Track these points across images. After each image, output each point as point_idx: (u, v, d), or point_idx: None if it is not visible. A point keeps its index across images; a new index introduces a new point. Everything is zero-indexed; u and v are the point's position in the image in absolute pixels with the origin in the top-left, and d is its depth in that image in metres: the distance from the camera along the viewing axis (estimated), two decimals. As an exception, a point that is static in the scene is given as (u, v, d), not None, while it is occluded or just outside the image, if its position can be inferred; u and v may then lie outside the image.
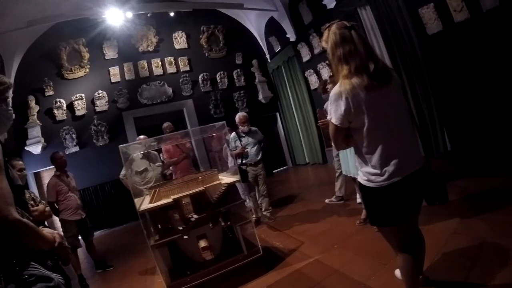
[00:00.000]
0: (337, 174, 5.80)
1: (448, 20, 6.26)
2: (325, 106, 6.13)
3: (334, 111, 1.95)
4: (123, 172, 5.58)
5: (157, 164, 5.84)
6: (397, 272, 2.76)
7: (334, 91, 1.95)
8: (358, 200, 5.71)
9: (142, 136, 5.61)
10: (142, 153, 5.31)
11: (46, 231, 1.70)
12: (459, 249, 3.09)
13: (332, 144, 2.20)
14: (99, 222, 9.23)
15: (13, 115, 1.88)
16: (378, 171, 1.96)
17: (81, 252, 5.72)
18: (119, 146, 3.95)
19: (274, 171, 12.30)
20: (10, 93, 1.84)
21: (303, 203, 6.65)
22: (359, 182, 2.16)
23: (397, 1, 7.06)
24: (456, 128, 6.62)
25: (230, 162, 6.29)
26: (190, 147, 6.45)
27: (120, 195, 9.09)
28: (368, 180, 2.02)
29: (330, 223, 5.05)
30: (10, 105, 1.87)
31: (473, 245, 3.09)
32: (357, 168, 2.18)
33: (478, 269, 2.69)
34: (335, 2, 8.72)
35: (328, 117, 2.04)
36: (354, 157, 4.12)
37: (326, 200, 6.15)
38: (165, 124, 6.22)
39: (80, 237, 5.36)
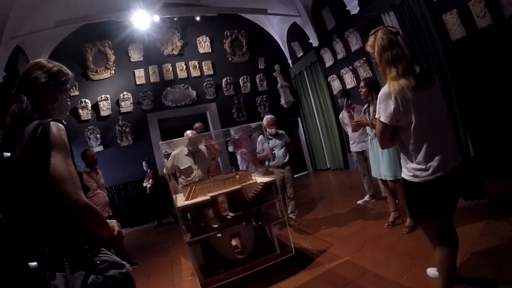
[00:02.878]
0: (362, 176, 5.98)
1: (472, 26, 6.24)
2: (340, 116, 6.20)
3: (383, 110, 2.09)
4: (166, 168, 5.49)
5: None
6: (429, 271, 2.87)
7: (383, 91, 2.10)
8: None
9: (189, 132, 5.47)
10: (188, 149, 5.20)
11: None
12: (487, 249, 3.14)
13: (378, 142, 2.33)
14: (121, 221, 9.30)
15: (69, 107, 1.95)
16: (423, 167, 2.09)
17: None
18: (160, 142, 3.98)
19: (295, 176, 12.20)
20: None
21: (328, 207, 6.66)
22: (403, 178, 2.27)
23: (420, 7, 7.06)
24: (479, 134, 6.57)
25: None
26: (219, 149, 6.46)
27: (142, 195, 9.32)
28: (414, 176, 2.15)
29: (358, 226, 5.06)
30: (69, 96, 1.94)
31: (500, 245, 3.15)
32: (402, 164, 2.29)
33: (506, 266, 2.76)
34: (358, 8, 8.72)
35: (377, 116, 2.16)
36: (389, 160, 4.18)
37: (359, 201, 6.23)
38: (197, 125, 6.26)
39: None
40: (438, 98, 2.16)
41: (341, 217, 5.70)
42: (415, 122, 2.04)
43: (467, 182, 2.19)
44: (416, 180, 2.13)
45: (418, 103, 2.03)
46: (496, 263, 2.85)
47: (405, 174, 2.23)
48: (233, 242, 3.95)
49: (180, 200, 3.90)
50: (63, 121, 1.67)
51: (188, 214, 3.77)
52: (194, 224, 3.81)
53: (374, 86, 4.44)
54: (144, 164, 9.33)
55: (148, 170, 9.21)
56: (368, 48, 2.27)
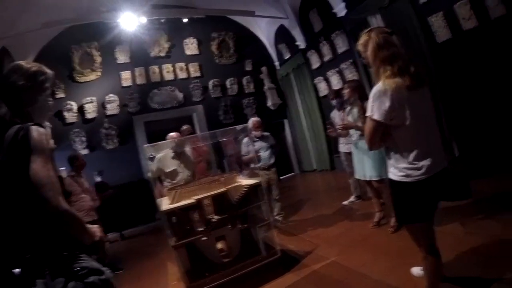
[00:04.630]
0: (348, 177, 6.05)
1: (457, 28, 6.37)
2: (332, 114, 6.23)
3: (377, 108, 2.05)
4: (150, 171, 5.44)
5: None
6: (414, 270, 2.92)
7: (377, 88, 2.07)
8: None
9: (173, 133, 5.43)
10: (174, 152, 5.18)
11: (88, 226, 1.73)
12: (473, 248, 3.21)
13: (366, 143, 2.26)
14: (108, 225, 9.19)
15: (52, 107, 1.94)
16: (416, 166, 2.08)
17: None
18: (144, 145, 3.96)
19: (281, 177, 12.22)
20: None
21: (314, 208, 6.71)
22: (391, 180, 2.24)
23: (407, 10, 7.19)
24: (465, 134, 6.71)
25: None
26: (207, 151, 6.45)
27: (130, 198, 9.14)
28: (406, 175, 2.11)
29: (344, 227, 5.12)
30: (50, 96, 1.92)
31: (487, 243, 3.22)
32: (390, 165, 2.26)
33: (492, 265, 2.83)
34: (345, 10, 8.78)
35: (368, 114, 2.11)
36: (374, 161, 4.20)
37: (345, 202, 6.32)
38: (184, 127, 6.25)
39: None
40: (428, 99, 2.21)
41: (328, 218, 5.75)
42: (410, 120, 2.05)
43: (455, 183, 2.21)
44: (408, 180, 2.11)
45: (412, 102, 2.05)
46: (483, 261, 2.92)
47: (395, 175, 2.20)
48: (219, 245, 3.94)
49: (165, 204, 3.88)
50: (47, 123, 1.66)
51: (173, 218, 3.76)
52: (179, 228, 3.80)
53: (357, 87, 4.55)
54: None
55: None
56: (360, 47, 2.28)
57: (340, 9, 8.93)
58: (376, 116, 2.05)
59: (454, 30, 6.45)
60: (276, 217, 5.89)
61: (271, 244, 4.26)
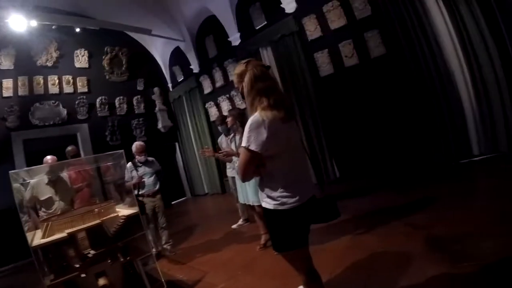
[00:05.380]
0: (236, 201, 6.08)
1: (339, 64, 7.29)
2: (219, 139, 6.34)
3: (254, 138, 2.05)
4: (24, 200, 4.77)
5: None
6: None
7: (254, 119, 2.08)
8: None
9: (49, 157, 5.08)
10: (48, 178, 4.71)
11: None
12: (355, 262, 3.45)
13: (239, 175, 2.25)
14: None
15: None
16: (290, 194, 2.12)
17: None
18: (10, 172, 3.61)
19: (173, 203, 12.08)
20: None
21: (204, 233, 6.69)
22: (266, 208, 2.25)
23: (295, 45, 7.94)
24: (343, 157, 7.64)
25: None
26: (93, 175, 6.06)
27: (5, 229, 7.97)
28: (281, 204, 2.13)
29: (232, 251, 5.17)
30: None
31: (366, 257, 3.49)
32: (264, 195, 2.25)
33: (373, 276, 3.07)
34: (240, 40, 9.34)
35: (244, 145, 2.09)
36: (255, 186, 4.31)
37: (233, 226, 6.46)
38: (69, 148, 5.83)
39: None
40: (297, 131, 2.33)
41: (217, 243, 5.78)
42: (284, 151, 2.12)
43: (324, 206, 2.35)
44: (283, 207, 2.13)
45: (286, 133, 2.12)
46: (364, 274, 3.15)
47: (270, 204, 2.19)
48: (100, 282, 3.71)
49: (38, 237, 3.57)
50: None
51: (46, 254, 3.47)
52: (54, 265, 3.52)
53: (239, 115, 4.78)
54: None
55: None
56: (235, 77, 2.31)
57: (235, 39, 9.43)
58: (252, 147, 2.05)
59: (336, 66, 7.35)
60: (165, 246, 5.76)
61: (156, 277, 4.14)
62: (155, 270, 4.22)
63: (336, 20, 7.25)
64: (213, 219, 8.13)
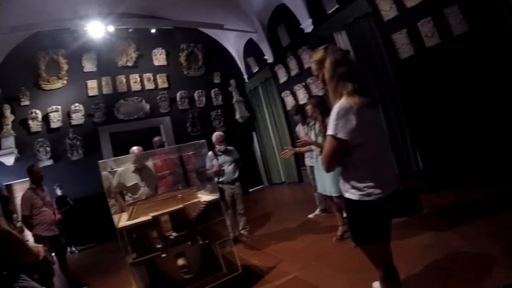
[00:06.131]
0: (314, 191, 5.99)
1: (420, 45, 6.62)
2: (297, 128, 6.29)
3: (342, 126, 1.92)
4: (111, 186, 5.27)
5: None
6: (375, 285, 2.80)
7: (341, 106, 1.95)
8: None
9: (135, 148, 5.33)
10: (135, 166, 5.13)
11: (31, 245, 1.70)
12: (434, 261, 3.23)
13: (323, 165, 2.12)
14: (72, 239, 8.89)
15: None
16: (376, 184, 2.00)
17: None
18: (99, 161, 3.88)
19: (250, 190, 12.30)
20: None
21: (280, 222, 6.70)
22: (349, 199, 2.12)
23: (371, 27, 7.42)
24: (427, 147, 6.92)
25: None
26: (176, 163, 6.38)
27: (94, 211, 8.77)
28: (367, 194, 2.01)
29: (307, 240, 5.12)
30: None
31: (447, 256, 3.24)
32: (348, 186, 2.13)
33: (453, 278, 2.84)
34: (312, 26, 9.03)
35: (331, 133, 1.96)
36: (334, 176, 4.21)
37: (310, 215, 6.37)
38: (156, 138, 6.24)
39: (53, 254, 5.15)
40: (381, 119, 2.22)
41: (292, 232, 5.75)
42: (371, 139, 2.00)
43: (406, 199, 2.21)
44: (369, 198, 2.00)
45: (372, 120, 2.01)
46: (443, 275, 2.93)
47: (355, 195, 2.06)
48: (179, 262, 3.89)
49: (123, 220, 3.82)
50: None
51: (130, 235, 3.70)
52: (137, 245, 3.74)
53: (318, 103, 4.56)
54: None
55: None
56: (313, 65, 2.17)
57: (307, 25, 9.15)
58: (340, 135, 1.92)
59: (417, 47, 6.69)
60: (242, 232, 5.88)
61: (232, 260, 4.23)
62: (231, 254, 4.31)
63: (411, -4, 6.76)
64: (289, 208, 8.11)
